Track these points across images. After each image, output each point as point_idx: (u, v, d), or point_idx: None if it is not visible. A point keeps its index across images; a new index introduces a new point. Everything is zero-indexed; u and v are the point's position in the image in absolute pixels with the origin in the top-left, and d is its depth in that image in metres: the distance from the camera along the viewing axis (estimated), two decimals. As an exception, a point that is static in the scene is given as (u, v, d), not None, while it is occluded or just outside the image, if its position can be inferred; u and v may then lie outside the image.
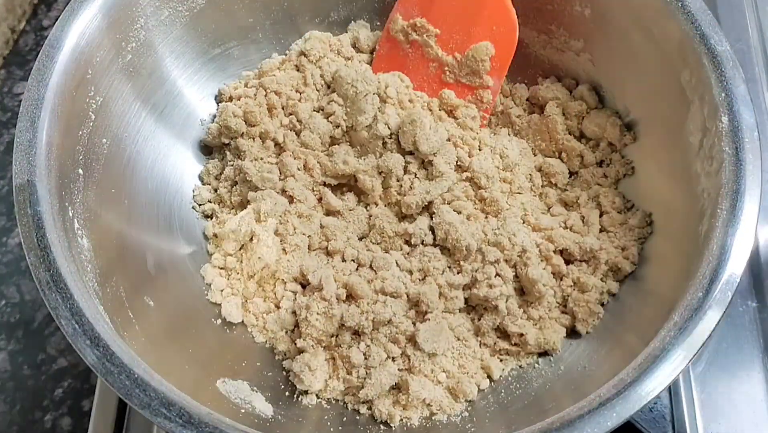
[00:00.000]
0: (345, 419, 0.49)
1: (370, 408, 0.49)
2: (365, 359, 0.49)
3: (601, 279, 0.52)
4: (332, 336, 0.50)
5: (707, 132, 0.46)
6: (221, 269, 0.54)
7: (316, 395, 0.49)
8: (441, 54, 0.60)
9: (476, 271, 0.52)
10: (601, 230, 0.55)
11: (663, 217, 0.52)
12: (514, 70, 0.59)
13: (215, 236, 0.56)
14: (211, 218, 0.57)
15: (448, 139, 0.56)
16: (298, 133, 0.58)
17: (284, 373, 0.51)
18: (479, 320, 0.52)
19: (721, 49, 0.47)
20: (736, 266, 0.41)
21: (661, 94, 0.52)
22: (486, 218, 0.54)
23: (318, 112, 0.58)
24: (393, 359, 0.50)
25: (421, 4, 0.59)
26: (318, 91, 0.59)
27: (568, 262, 0.53)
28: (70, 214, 0.44)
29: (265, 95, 0.58)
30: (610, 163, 0.57)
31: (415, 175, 0.55)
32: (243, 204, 0.56)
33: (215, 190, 0.58)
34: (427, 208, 0.55)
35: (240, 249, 0.55)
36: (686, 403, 0.52)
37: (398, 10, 0.60)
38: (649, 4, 0.51)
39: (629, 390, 0.38)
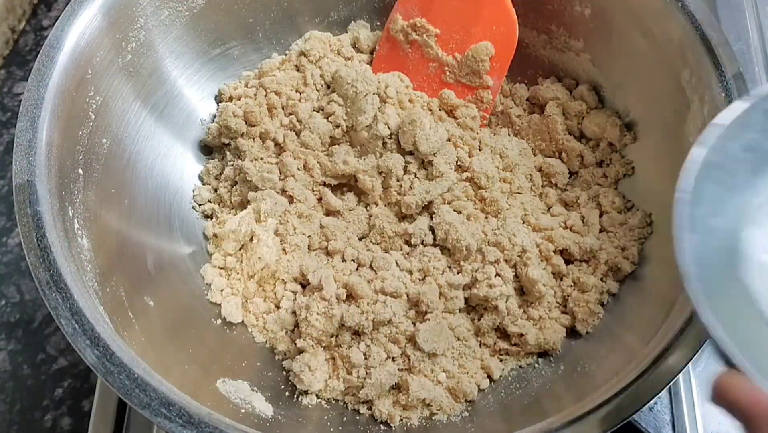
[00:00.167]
0: (345, 419, 0.49)
1: (370, 408, 0.49)
2: (365, 359, 0.49)
3: (601, 279, 0.52)
4: (332, 336, 0.50)
5: (707, 132, 0.46)
6: (221, 269, 0.54)
7: (316, 395, 0.49)
8: (441, 54, 0.60)
9: (476, 271, 0.52)
10: (601, 230, 0.55)
11: (663, 217, 0.52)
12: (514, 70, 0.59)
13: (215, 235, 0.56)
14: (211, 218, 0.57)
15: (448, 139, 0.56)
16: (298, 133, 0.58)
17: (284, 373, 0.51)
18: (479, 320, 0.52)
19: (721, 49, 0.47)
20: (736, 266, 0.40)
21: (661, 94, 0.52)
22: (486, 218, 0.54)
23: (318, 112, 0.58)
24: (393, 359, 0.50)
25: (421, 4, 0.59)
26: (318, 91, 0.59)
27: (568, 262, 0.53)
28: (70, 214, 0.44)
29: (265, 95, 0.58)
30: (610, 163, 0.57)
31: (415, 175, 0.56)
32: (243, 204, 0.56)
33: (215, 190, 0.58)
34: (427, 208, 0.55)
35: (240, 249, 0.55)
36: (686, 403, 0.52)
37: (398, 10, 0.60)
38: (649, 4, 0.51)
39: (629, 390, 0.38)
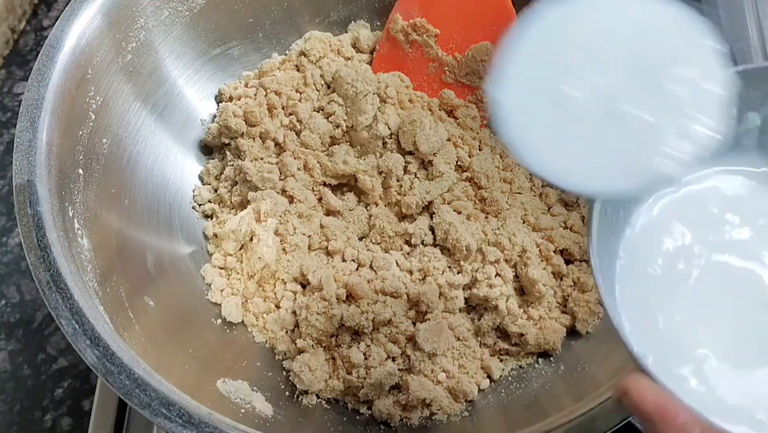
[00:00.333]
0: (345, 419, 0.49)
1: (370, 408, 0.49)
2: (365, 359, 0.49)
3: (601, 279, 0.52)
4: (332, 336, 0.50)
5: (707, 132, 0.46)
6: (221, 269, 0.54)
7: (316, 395, 0.49)
8: (441, 54, 0.60)
9: (476, 271, 0.52)
10: (601, 230, 0.55)
11: (663, 217, 0.52)
12: (514, 70, 0.59)
13: (215, 235, 0.56)
14: (211, 218, 0.57)
15: (448, 139, 0.56)
16: (298, 133, 0.58)
17: (284, 373, 0.51)
18: (479, 320, 0.52)
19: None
20: (736, 266, 0.40)
21: (661, 94, 0.51)
22: (486, 218, 0.54)
23: (318, 112, 0.58)
24: (393, 359, 0.50)
25: (421, 4, 0.59)
26: (318, 91, 0.59)
27: (568, 262, 0.53)
28: (70, 214, 0.44)
29: (266, 95, 0.58)
30: (610, 163, 0.57)
31: (415, 175, 0.56)
32: (243, 204, 0.56)
33: (215, 190, 0.58)
34: (427, 208, 0.55)
35: (240, 249, 0.55)
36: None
37: (398, 10, 0.60)
38: (649, 4, 0.51)
39: (629, 390, 0.38)
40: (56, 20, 0.47)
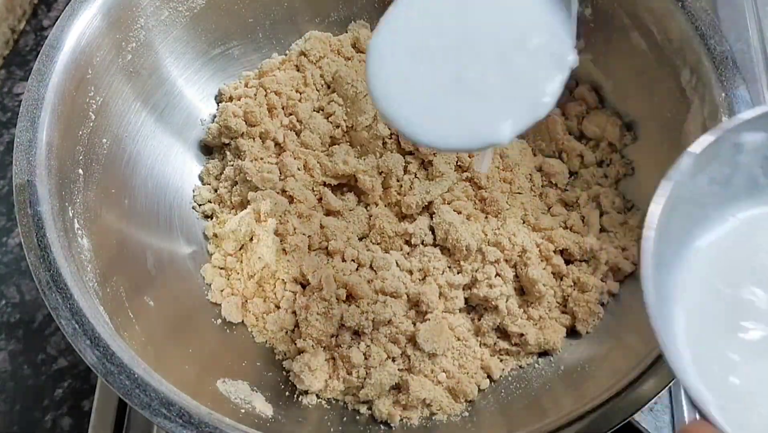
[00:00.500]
0: (345, 419, 0.49)
1: (370, 408, 0.49)
2: (365, 359, 0.49)
3: (601, 279, 0.52)
4: (332, 336, 0.50)
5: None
6: (221, 269, 0.54)
7: (316, 395, 0.49)
8: (441, 54, 0.60)
9: (476, 271, 0.52)
10: (601, 230, 0.55)
11: (663, 217, 0.52)
12: (514, 70, 0.59)
13: (215, 235, 0.56)
14: (211, 218, 0.57)
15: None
16: (298, 133, 0.58)
17: (284, 373, 0.51)
18: (479, 320, 0.52)
19: (721, 49, 0.47)
20: (736, 266, 0.40)
21: (661, 94, 0.52)
22: (486, 218, 0.54)
23: (318, 112, 0.58)
24: (393, 359, 0.50)
25: (421, 4, 0.59)
26: (318, 91, 0.59)
27: (568, 262, 0.53)
28: (70, 215, 0.44)
29: (266, 95, 0.58)
30: (610, 163, 0.57)
31: (415, 175, 0.55)
32: (243, 204, 0.56)
33: (215, 190, 0.58)
34: (427, 208, 0.55)
35: (240, 249, 0.55)
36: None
37: (398, 10, 0.60)
38: (649, 4, 0.51)
39: (629, 390, 0.38)
40: (56, 20, 0.47)
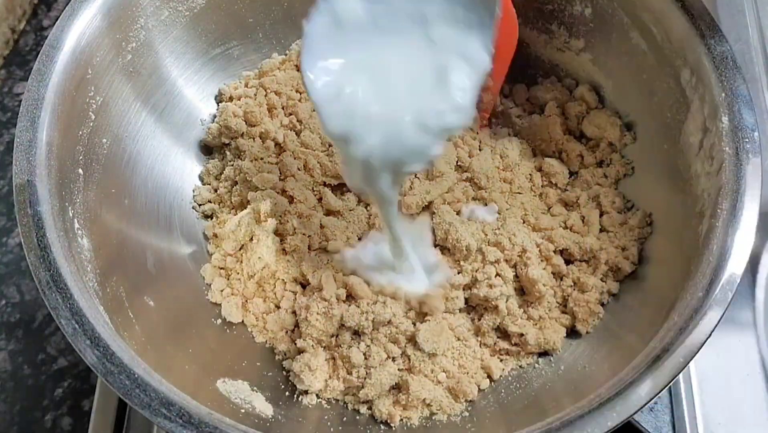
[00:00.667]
0: (345, 419, 0.49)
1: (370, 408, 0.49)
2: (365, 359, 0.49)
3: (601, 279, 0.52)
4: (332, 336, 0.50)
5: (707, 132, 0.46)
6: (221, 269, 0.54)
7: (316, 395, 0.49)
8: (441, 54, 0.60)
9: (476, 271, 0.52)
10: (601, 230, 0.55)
11: (663, 217, 0.52)
12: (514, 70, 0.59)
13: (215, 235, 0.56)
14: (211, 218, 0.57)
15: (448, 139, 0.56)
16: (298, 133, 0.58)
17: (284, 373, 0.51)
18: (479, 320, 0.52)
19: (721, 49, 0.47)
20: (736, 266, 0.41)
21: (661, 94, 0.52)
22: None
23: (318, 112, 0.58)
24: (393, 359, 0.50)
25: (421, 4, 0.59)
26: (318, 91, 0.59)
27: (568, 262, 0.53)
28: (70, 215, 0.44)
29: (266, 95, 0.58)
30: (610, 163, 0.57)
31: (415, 175, 0.55)
32: (243, 204, 0.56)
33: (215, 190, 0.58)
34: (427, 208, 0.55)
35: (240, 249, 0.55)
36: (686, 403, 0.52)
37: (398, 10, 0.60)
38: (649, 4, 0.51)
39: (629, 390, 0.38)
40: (56, 20, 0.47)
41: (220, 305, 0.53)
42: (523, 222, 0.55)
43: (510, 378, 0.51)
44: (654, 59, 0.52)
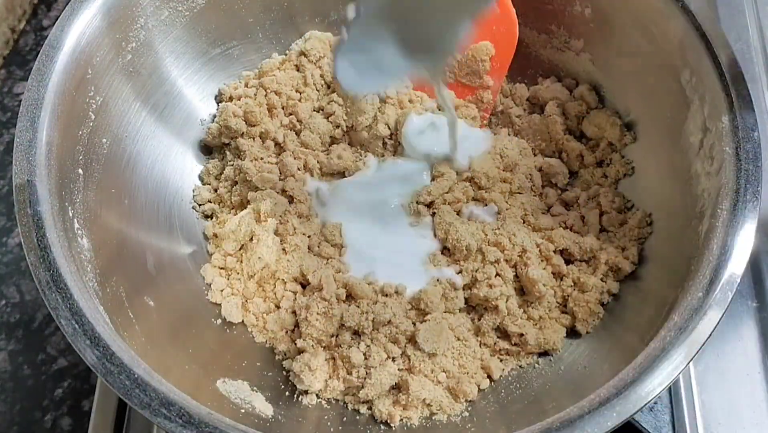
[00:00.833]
0: (345, 419, 0.49)
1: (370, 408, 0.49)
2: (365, 359, 0.49)
3: (601, 279, 0.52)
4: (332, 336, 0.50)
5: (707, 132, 0.46)
6: (221, 269, 0.54)
7: (316, 395, 0.49)
8: (441, 54, 0.60)
9: (476, 271, 0.52)
10: (601, 230, 0.55)
11: (663, 217, 0.52)
12: (514, 70, 0.59)
13: (215, 235, 0.56)
14: (211, 218, 0.57)
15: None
16: (298, 133, 0.58)
17: (284, 373, 0.51)
18: (479, 320, 0.52)
19: (722, 49, 0.47)
20: (736, 266, 0.41)
21: (661, 94, 0.52)
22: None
23: (318, 112, 0.58)
24: (393, 359, 0.50)
25: (421, 4, 0.59)
26: (318, 91, 0.59)
27: (568, 262, 0.53)
28: (70, 215, 0.44)
29: (266, 95, 0.58)
30: (610, 163, 0.57)
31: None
32: (243, 204, 0.56)
33: (215, 190, 0.58)
34: (428, 208, 0.55)
35: (240, 249, 0.55)
36: (686, 403, 0.52)
37: (398, 10, 0.60)
38: (649, 4, 0.51)
39: (629, 390, 0.38)
40: (56, 20, 0.47)
41: (220, 305, 0.53)
42: (523, 222, 0.55)
43: (510, 378, 0.51)
44: (654, 59, 0.52)
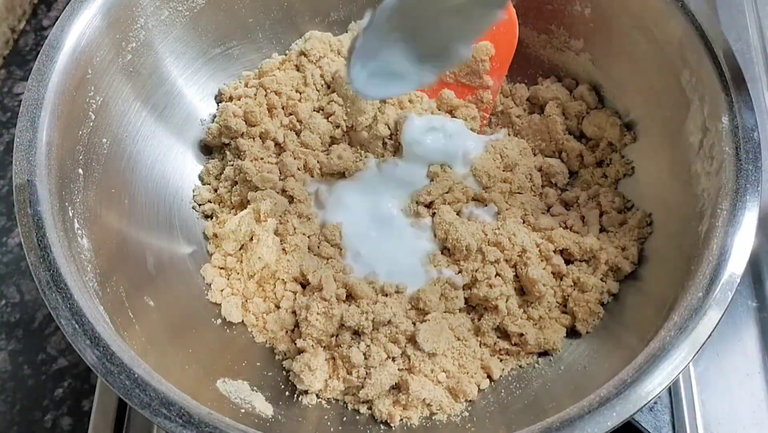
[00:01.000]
0: (345, 419, 0.49)
1: (370, 408, 0.49)
2: (365, 359, 0.49)
3: (601, 279, 0.52)
4: (332, 336, 0.50)
5: (707, 132, 0.46)
6: (221, 269, 0.54)
7: (316, 395, 0.49)
8: (441, 54, 0.60)
9: (476, 271, 0.52)
10: (601, 230, 0.55)
11: (663, 217, 0.52)
12: (514, 70, 0.59)
13: (215, 235, 0.56)
14: (211, 218, 0.57)
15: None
16: (298, 133, 0.58)
17: (284, 373, 0.51)
18: (479, 320, 0.52)
19: (721, 49, 0.47)
20: (736, 266, 0.41)
21: (661, 94, 0.52)
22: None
23: (318, 112, 0.58)
24: (393, 359, 0.50)
25: (421, 4, 0.59)
26: (318, 91, 0.59)
27: (568, 262, 0.53)
28: (70, 215, 0.44)
29: (266, 95, 0.58)
30: (610, 163, 0.57)
31: (415, 175, 0.56)
32: (243, 204, 0.56)
33: (215, 190, 0.58)
34: (428, 208, 0.55)
35: (240, 249, 0.55)
36: (686, 403, 0.52)
37: (398, 10, 0.60)
38: (649, 4, 0.51)
39: (629, 390, 0.38)
40: (56, 20, 0.47)
41: (220, 305, 0.53)
42: (523, 222, 0.55)
43: (510, 378, 0.51)
44: (654, 59, 0.52)
